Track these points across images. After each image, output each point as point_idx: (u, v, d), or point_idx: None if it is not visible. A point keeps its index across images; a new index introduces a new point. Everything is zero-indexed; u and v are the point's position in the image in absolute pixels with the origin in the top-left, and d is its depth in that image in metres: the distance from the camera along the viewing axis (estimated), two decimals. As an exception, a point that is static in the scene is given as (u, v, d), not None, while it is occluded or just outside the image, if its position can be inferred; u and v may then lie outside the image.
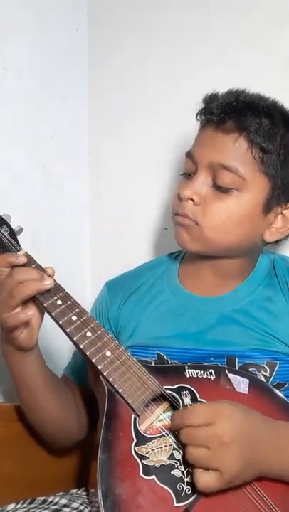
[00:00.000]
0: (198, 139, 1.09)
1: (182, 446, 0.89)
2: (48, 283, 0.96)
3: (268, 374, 1.03)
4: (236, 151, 1.02)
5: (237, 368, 1.03)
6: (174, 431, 0.91)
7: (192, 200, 1.04)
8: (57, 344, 1.17)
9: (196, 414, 0.87)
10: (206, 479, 0.85)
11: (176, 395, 0.96)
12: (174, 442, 0.92)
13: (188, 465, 0.88)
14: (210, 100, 1.07)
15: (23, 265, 0.98)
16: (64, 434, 1.15)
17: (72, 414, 1.14)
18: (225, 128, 1.03)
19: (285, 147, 1.03)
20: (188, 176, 1.08)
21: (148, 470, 0.88)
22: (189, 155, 1.08)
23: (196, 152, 1.06)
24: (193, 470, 0.87)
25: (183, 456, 0.89)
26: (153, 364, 1.08)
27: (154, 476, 0.88)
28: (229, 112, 1.02)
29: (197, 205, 1.04)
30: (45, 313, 1.00)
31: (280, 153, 1.03)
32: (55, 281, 0.99)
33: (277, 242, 1.16)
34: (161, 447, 0.91)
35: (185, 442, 0.87)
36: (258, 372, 1.03)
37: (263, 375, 1.03)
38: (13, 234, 1.02)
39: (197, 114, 1.10)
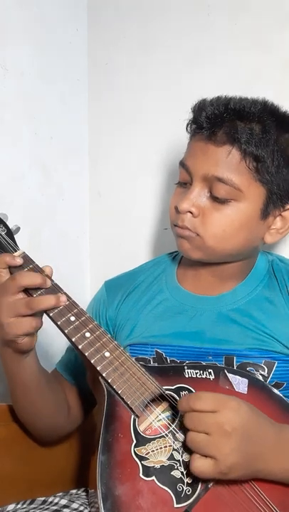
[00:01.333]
0: (190, 150, 1.08)
1: (184, 430, 0.89)
2: (62, 302, 0.96)
3: (266, 373, 1.03)
4: (230, 162, 1.01)
5: (235, 367, 1.03)
6: (181, 413, 0.91)
7: (190, 212, 1.04)
8: (55, 344, 1.17)
9: (203, 399, 0.87)
10: (201, 464, 0.85)
11: (175, 396, 0.96)
12: (174, 443, 0.92)
13: (188, 465, 0.88)
14: (199, 110, 1.05)
15: (20, 266, 0.98)
16: (54, 428, 1.15)
17: (62, 407, 1.14)
18: (216, 140, 1.02)
19: (278, 152, 1.02)
20: (184, 184, 1.08)
21: (148, 471, 0.89)
22: (183, 165, 1.07)
23: (189, 163, 1.06)
24: (191, 455, 0.87)
25: (182, 457, 0.89)
26: (152, 362, 1.08)
27: (153, 477, 0.88)
28: (219, 123, 1.01)
29: (196, 217, 1.04)
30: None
31: (274, 159, 1.02)
32: (53, 281, 0.99)
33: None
34: (161, 448, 0.91)
35: (188, 426, 0.88)
36: (256, 372, 1.03)
37: (261, 374, 1.03)
38: (10, 233, 1.02)
39: (187, 125, 1.09)
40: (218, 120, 1.01)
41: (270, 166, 1.02)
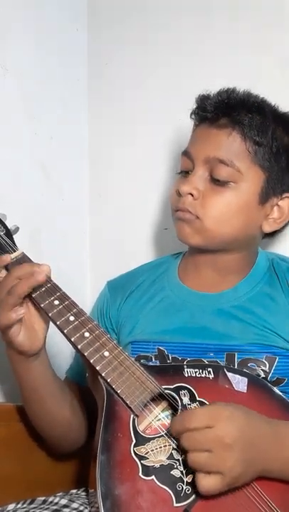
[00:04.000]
0: (193, 137, 1.14)
1: (184, 451, 0.88)
2: (40, 276, 0.94)
3: (267, 369, 1.03)
4: (231, 144, 1.06)
5: (236, 363, 1.04)
6: (175, 436, 0.90)
7: (191, 195, 1.07)
8: (57, 347, 1.17)
9: (196, 417, 0.87)
10: (208, 482, 0.85)
11: (174, 395, 0.96)
12: (173, 442, 0.92)
13: (188, 465, 0.88)
14: (203, 99, 1.11)
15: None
16: (70, 438, 1.15)
17: (78, 418, 1.14)
18: (219, 124, 1.08)
19: (276, 140, 1.08)
20: (186, 173, 1.11)
21: (147, 470, 0.89)
22: (185, 153, 1.12)
23: (192, 149, 1.11)
24: (195, 474, 0.87)
25: (182, 457, 0.89)
26: (153, 359, 1.09)
27: (153, 477, 0.88)
28: (222, 109, 1.08)
29: (196, 199, 1.07)
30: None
31: (272, 146, 1.07)
32: (52, 281, 0.99)
33: (273, 235, 1.18)
34: (161, 447, 0.91)
35: (187, 448, 0.87)
36: (257, 367, 1.03)
37: (262, 369, 1.03)
38: (8, 233, 1.02)
39: (191, 114, 1.14)
40: (220, 105, 1.08)
41: (269, 151, 1.07)
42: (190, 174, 1.09)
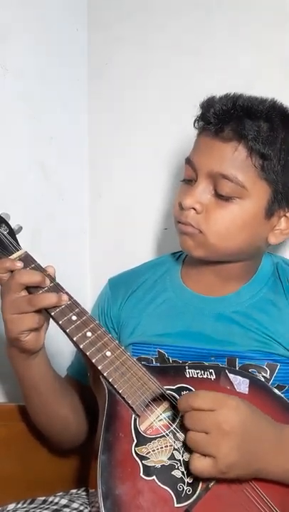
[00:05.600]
0: (196, 146, 1.08)
1: (184, 430, 0.90)
2: (64, 300, 0.96)
3: (268, 375, 1.03)
4: (236, 159, 1.01)
5: (237, 369, 1.03)
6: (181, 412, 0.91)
7: (194, 209, 1.04)
8: (58, 346, 1.17)
9: (201, 398, 0.88)
10: (200, 463, 0.86)
11: (176, 395, 0.96)
12: (174, 442, 0.92)
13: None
14: (207, 107, 1.05)
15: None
16: (69, 434, 1.15)
17: (78, 414, 1.14)
18: (223, 136, 1.02)
19: (285, 151, 1.02)
20: (189, 181, 1.07)
21: (148, 470, 0.89)
22: (189, 162, 1.07)
23: (195, 160, 1.06)
24: (190, 454, 0.88)
25: (183, 457, 0.90)
26: (154, 362, 1.08)
27: (154, 477, 0.88)
28: (227, 119, 1.01)
29: (199, 213, 1.04)
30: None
31: (280, 158, 1.02)
32: (54, 281, 0.99)
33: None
34: (162, 448, 0.91)
35: (187, 425, 0.88)
36: (258, 374, 1.03)
37: (263, 376, 1.03)
38: (12, 233, 1.02)
39: (195, 121, 1.09)
40: (225, 116, 1.01)
41: (276, 164, 1.01)
42: (193, 185, 1.05)
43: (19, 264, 0.97)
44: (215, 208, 1.03)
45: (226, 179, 1.01)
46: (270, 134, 1.01)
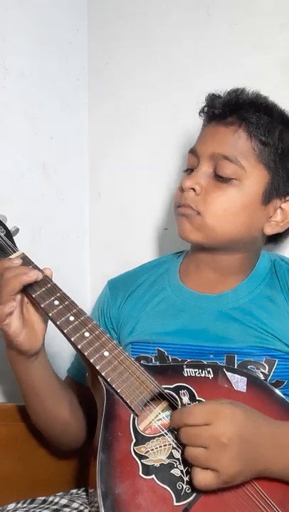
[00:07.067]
0: (201, 135, 1.14)
1: (181, 445, 0.89)
2: (31, 274, 0.95)
3: (266, 371, 1.03)
4: (236, 142, 1.06)
5: (236, 365, 1.04)
6: (174, 430, 0.91)
7: (194, 190, 1.07)
8: (57, 347, 1.17)
9: (195, 413, 0.87)
10: (203, 478, 0.85)
11: (174, 394, 0.96)
12: (173, 441, 0.92)
13: (188, 464, 0.88)
14: (213, 98, 1.12)
15: None
16: (69, 436, 1.15)
17: (77, 417, 1.14)
18: (226, 121, 1.08)
19: (282, 142, 1.07)
20: (191, 171, 1.11)
21: (147, 469, 0.89)
22: (192, 151, 1.12)
23: (198, 147, 1.11)
24: (192, 468, 0.87)
25: (182, 455, 0.89)
26: (154, 360, 1.09)
27: (153, 476, 0.88)
28: (231, 107, 1.08)
29: (198, 194, 1.07)
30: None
31: (278, 147, 1.07)
32: (51, 281, 0.99)
33: (277, 240, 1.17)
34: (161, 446, 0.91)
35: (184, 442, 0.87)
36: (256, 370, 1.03)
37: (261, 372, 1.03)
38: (9, 235, 1.02)
39: (200, 112, 1.14)
40: (230, 104, 1.09)
41: (274, 152, 1.07)
42: (194, 171, 1.09)
43: (17, 262, 0.98)
44: (214, 189, 1.06)
45: (226, 160, 1.05)
46: (269, 123, 1.07)
